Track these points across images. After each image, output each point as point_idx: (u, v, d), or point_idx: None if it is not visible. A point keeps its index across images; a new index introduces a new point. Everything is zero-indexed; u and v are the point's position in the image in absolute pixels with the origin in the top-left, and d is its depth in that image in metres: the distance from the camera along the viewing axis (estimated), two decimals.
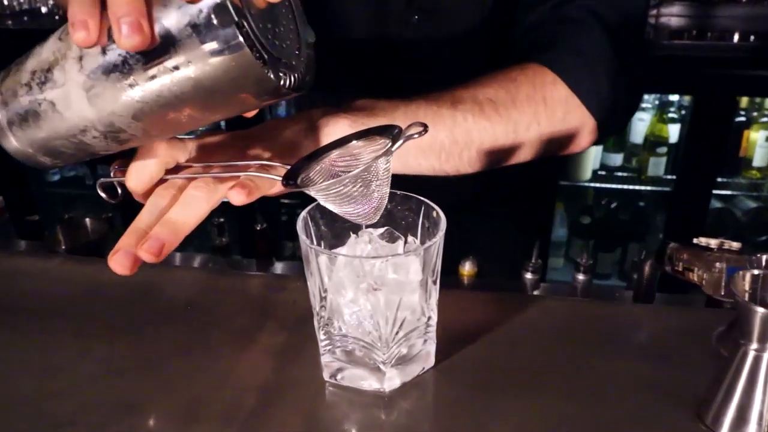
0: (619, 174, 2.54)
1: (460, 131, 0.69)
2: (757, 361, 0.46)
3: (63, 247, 1.10)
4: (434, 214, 0.53)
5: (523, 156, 0.76)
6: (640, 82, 0.84)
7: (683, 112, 2.47)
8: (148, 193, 0.52)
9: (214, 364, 0.57)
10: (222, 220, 1.60)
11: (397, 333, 0.51)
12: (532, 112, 0.72)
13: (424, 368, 0.55)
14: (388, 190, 0.50)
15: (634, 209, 2.68)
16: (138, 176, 0.51)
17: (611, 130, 0.82)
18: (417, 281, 0.50)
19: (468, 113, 0.69)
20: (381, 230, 0.55)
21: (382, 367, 0.52)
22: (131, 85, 0.43)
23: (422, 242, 0.55)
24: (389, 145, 0.47)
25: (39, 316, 0.64)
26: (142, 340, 0.61)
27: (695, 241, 0.79)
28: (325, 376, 0.55)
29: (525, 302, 0.65)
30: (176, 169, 0.54)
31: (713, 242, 0.75)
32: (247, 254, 1.77)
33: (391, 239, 0.55)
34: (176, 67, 0.41)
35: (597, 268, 2.66)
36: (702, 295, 1.00)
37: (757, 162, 2.44)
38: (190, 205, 0.49)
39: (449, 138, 0.68)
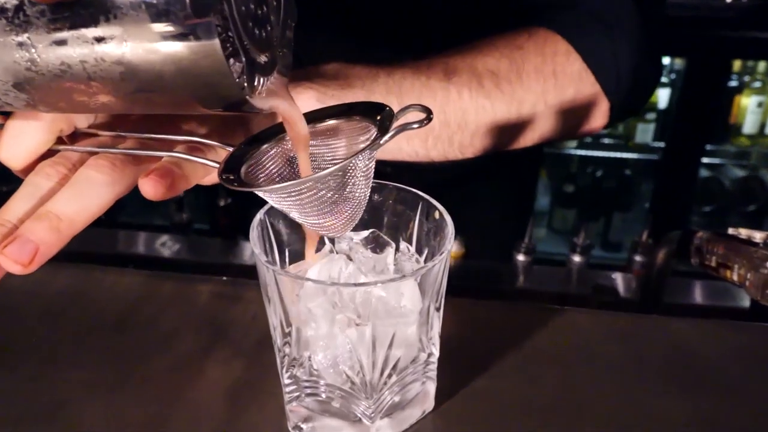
0: (606, 141, 2.44)
1: (453, 110, 0.57)
2: None
3: None
4: (436, 214, 0.40)
5: (523, 141, 0.65)
6: (661, 52, 0.73)
7: (673, 76, 2.35)
8: (31, 168, 0.38)
9: (149, 406, 0.43)
10: (181, 194, 1.45)
11: (388, 378, 0.38)
12: (540, 89, 0.60)
13: (424, 412, 0.43)
14: (366, 195, 0.37)
15: (620, 178, 2.58)
16: (14, 144, 0.37)
17: (627, 112, 0.71)
18: (415, 311, 0.37)
19: (464, 88, 0.57)
20: (364, 234, 0.42)
21: (366, 421, 0.39)
22: (22, 44, 0.28)
23: (419, 248, 0.42)
24: (375, 133, 0.34)
25: None
26: (55, 373, 0.47)
27: (731, 231, 0.67)
28: (290, 425, 0.42)
29: (542, 315, 0.52)
30: (73, 137, 0.39)
31: (758, 235, 0.63)
32: (210, 232, 1.62)
33: (378, 246, 0.42)
34: (101, 40, 0.27)
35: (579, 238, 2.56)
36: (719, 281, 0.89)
37: (747, 129, 2.35)
38: (85, 192, 0.35)
39: (439, 118, 0.56)
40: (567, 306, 0.54)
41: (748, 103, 2.32)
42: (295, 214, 0.36)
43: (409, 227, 0.42)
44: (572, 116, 0.63)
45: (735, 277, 0.63)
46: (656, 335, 0.51)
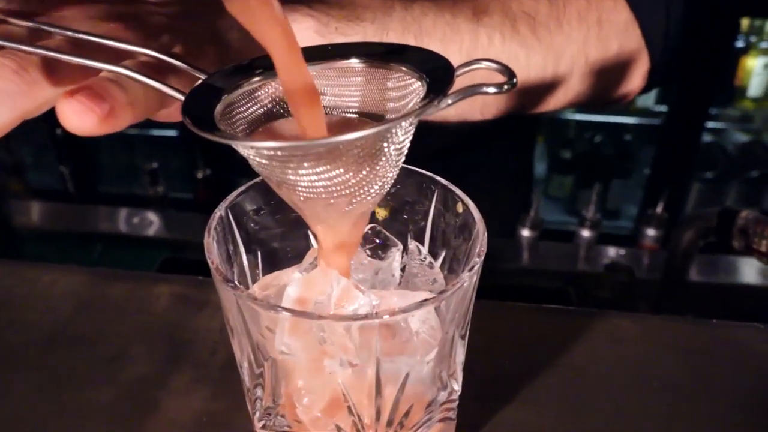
0: None
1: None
2: None
3: None
4: (459, 207, 0.30)
5: (553, 103, 0.57)
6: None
7: None
8: None
9: None
10: (156, 165, 1.34)
11: (397, 429, 0.28)
12: (582, 39, 0.52)
13: None
14: (393, 178, 0.26)
15: (620, 143, 2.49)
16: None
17: (665, 79, 0.62)
18: (433, 343, 0.27)
19: (495, 32, 0.47)
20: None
21: None
22: None
23: (434, 250, 0.32)
24: (419, 90, 0.24)
25: None
26: None
27: None
28: None
29: (578, 321, 0.43)
30: None
31: None
32: (188, 206, 1.50)
33: (380, 247, 0.32)
34: None
35: (576, 206, 2.48)
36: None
37: (752, 92, 2.26)
38: None
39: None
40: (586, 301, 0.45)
41: (754, 64, 2.23)
42: (281, 190, 0.25)
43: (420, 222, 0.32)
44: (611, 76, 0.54)
45: None
46: (720, 346, 0.42)
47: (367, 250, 0.31)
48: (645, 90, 0.60)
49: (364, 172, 0.24)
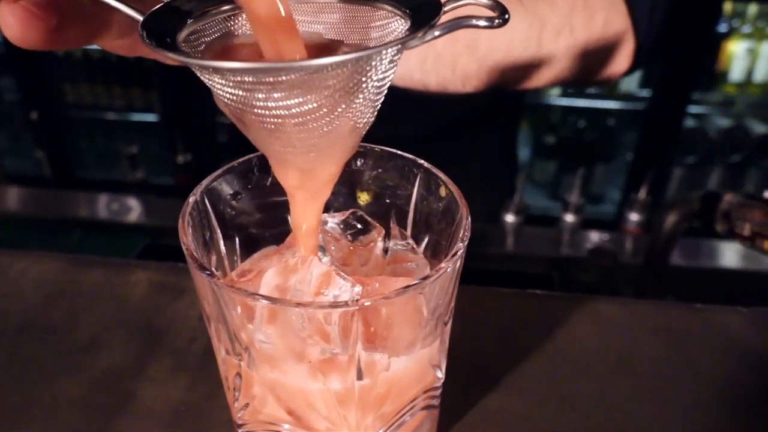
0: (589, 90, 2.33)
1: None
2: None
3: None
4: (442, 191, 0.29)
5: (536, 79, 0.56)
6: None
7: None
8: None
9: None
10: (135, 150, 1.31)
11: (380, 417, 0.27)
12: (568, 9, 0.52)
13: None
14: (366, 128, 0.25)
15: (603, 128, 2.49)
16: None
17: (651, 59, 0.61)
18: (417, 332, 0.26)
19: None
20: (342, 216, 0.31)
21: None
22: None
23: (416, 235, 0.31)
24: (403, 25, 0.23)
25: None
26: None
27: (767, 195, 0.57)
28: None
29: (560, 305, 0.42)
30: None
31: None
32: (167, 191, 1.48)
33: (361, 232, 0.31)
34: None
35: (560, 191, 2.49)
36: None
37: (734, 76, 2.27)
38: None
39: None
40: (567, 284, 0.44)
41: (736, 49, 2.24)
42: (255, 131, 0.23)
43: (403, 206, 0.31)
44: (596, 51, 0.54)
45: None
46: (703, 330, 0.41)
47: (349, 236, 0.30)
48: (631, 70, 0.59)
49: (340, 109, 0.22)
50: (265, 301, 0.23)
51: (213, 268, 0.29)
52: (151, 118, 2.30)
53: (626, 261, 1.00)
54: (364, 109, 0.23)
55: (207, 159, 1.52)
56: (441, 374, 0.30)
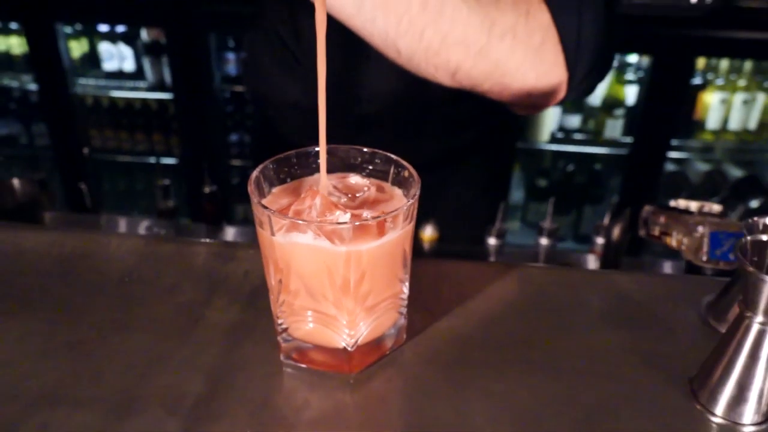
0: (577, 136, 2.53)
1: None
2: (761, 335, 0.42)
3: None
4: (406, 173, 0.47)
5: (484, 76, 0.66)
6: (618, 43, 0.77)
7: (641, 73, 2.46)
8: None
9: (155, 345, 0.50)
10: (167, 182, 1.50)
11: (361, 302, 0.44)
12: (513, 19, 0.63)
13: (397, 344, 0.49)
14: None
15: (591, 172, 2.68)
16: None
17: (580, 90, 0.73)
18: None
19: None
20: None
21: (348, 348, 0.46)
22: None
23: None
24: None
25: None
26: (69, 317, 0.53)
27: (673, 203, 0.75)
28: (282, 356, 0.48)
29: (497, 271, 0.60)
30: None
31: (693, 205, 0.71)
32: (195, 219, 1.67)
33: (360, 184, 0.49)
34: None
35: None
36: (671, 258, 0.97)
37: (710, 125, 2.46)
38: None
39: (418, 1, 0.60)
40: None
41: (711, 99, 2.43)
42: None
43: (383, 177, 0.49)
44: (533, 66, 0.65)
45: (674, 243, 0.71)
46: (600, 285, 0.59)
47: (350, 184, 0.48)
48: (566, 98, 0.70)
49: None
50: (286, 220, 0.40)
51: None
52: (170, 161, 2.53)
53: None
54: None
55: (227, 190, 1.71)
56: (406, 290, 0.47)
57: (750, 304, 0.41)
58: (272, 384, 0.46)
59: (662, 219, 0.74)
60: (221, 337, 0.51)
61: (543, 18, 0.65)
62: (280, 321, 0.47)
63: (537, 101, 0.70)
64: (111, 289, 0.56)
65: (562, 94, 0.70)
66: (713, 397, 0.44)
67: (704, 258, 0.66)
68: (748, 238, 0.42)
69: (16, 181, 1.10)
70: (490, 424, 0.43)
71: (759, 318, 0.41)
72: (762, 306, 0.41)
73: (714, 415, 0.44)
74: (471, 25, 0.62)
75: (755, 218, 0.51)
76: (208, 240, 0.63)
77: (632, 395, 0.46)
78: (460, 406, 0.45)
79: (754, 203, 2.56)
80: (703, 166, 2.64)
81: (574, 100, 2.37)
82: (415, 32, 0.62)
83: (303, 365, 0.47)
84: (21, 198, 1.10)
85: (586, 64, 0.68)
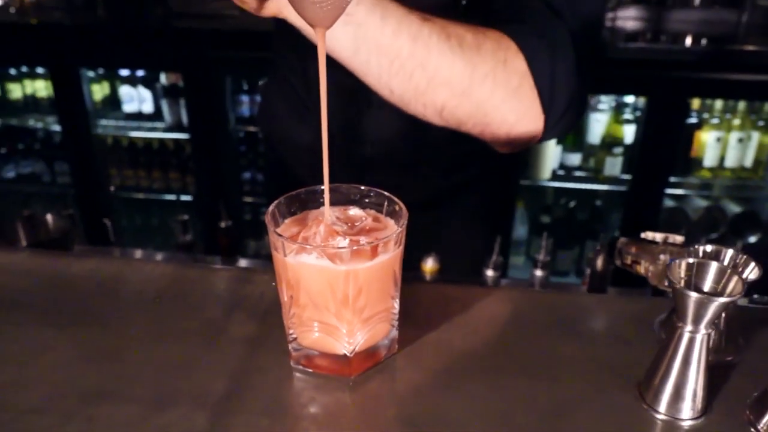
0: (578, 174, 2.62)
1: (421, 46, 0.67)
2: (691, 341, 0.50)
3: (23, 244, 1.10)
4: (396, 207, 0.56)
5: (469, 115, 0.72)
6: (589, 87, 0.84)
7: (638, 113, 2.55)
8: None
9: (184, 352, 0.59)
10: (186, 217, 1.61)
11: (358, 313, 0.53)
12: (492, 65, 0.70)
13: (390, 352, 0.58)
14: None
15: (592, 208, 2.76)
16: None
17: (557, 129, 0.78)
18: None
19: (434, 33, 0.67)
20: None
21: (348, 353, 0.54)
22: None
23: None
24: None
25: (5, 308, 0.65)
26: (110, 330, 0.62)
27: (643, 235, 0.83)
28: (292, 362, 0.57)
29: (485, 294, 0.68)
30: None
31: (659, 236, 0.79)
32: (210, 252, 1.77)
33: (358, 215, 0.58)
34: None
35: (556, 266, 2.73)
36: (650, 288, 1.05)
37: (707, 162, 2.54)
38: None
39: (408, 47, 0.66)
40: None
41: (707, 138, 2.52)
42: None
43: (378, 210, 0.58)
44: (512, 109, 0.72)
45: (642, 271, 0.79)
46: (569, 305, 0.67)
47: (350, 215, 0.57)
48: (544, 138, 0.76)
49: None
50: (294, 245, 0.50)
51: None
52: (186, 197, 2.65)
53: None
54: None
55: (241, 226, 1.81)
56: (396, 305, 0.56)
57: (681, 316, 0.50)
58: (284, 385, 0.55)
59: (633, 249, 0.82)
60: (240, 347, 0.59)
61: (519, 65, 0.72)
62: (290, 331, 0.56)
63: (516, 139, 0.77)
64: (145, 307, 0.65)
65: (539, 133, 0.77)
66: (656, 397, 0.52)
67: (666, 283, 0.74)
68: (677, 260, 0.51)
69: (49, 217, 1.21)
70: (469, 419, 0.52)
71: (688, 327, 0.50)
72: (690, 317, 0.49)
73: (657, 412, 0.52)
74: (455, 68, 0.68)
75: (696, 246, 0.59)
76: (227, 267, 0.72)
77: (589, 397, 0.54)
78: (443, 405, 0.53)
79: (752, 238, 2.62)
80: (701, 202, 2.71)
81: (559, 139, 2.46)
82: (405, 74, 0.68)
83: (309, 370, 0.56)
84: (54, 233, 1.21)
85: (560, 106, 0.75)
